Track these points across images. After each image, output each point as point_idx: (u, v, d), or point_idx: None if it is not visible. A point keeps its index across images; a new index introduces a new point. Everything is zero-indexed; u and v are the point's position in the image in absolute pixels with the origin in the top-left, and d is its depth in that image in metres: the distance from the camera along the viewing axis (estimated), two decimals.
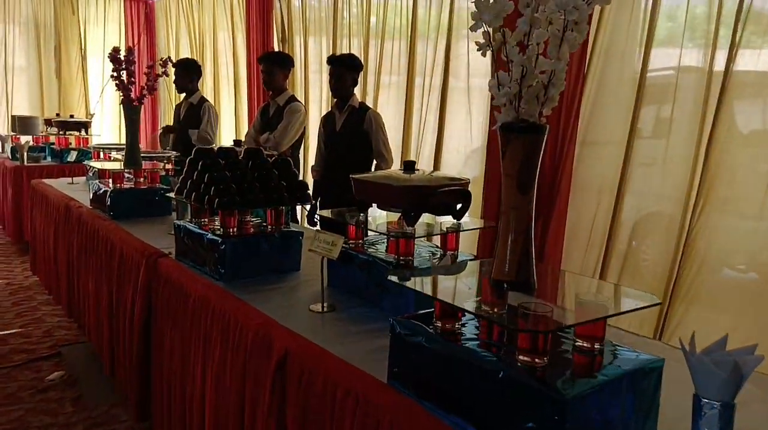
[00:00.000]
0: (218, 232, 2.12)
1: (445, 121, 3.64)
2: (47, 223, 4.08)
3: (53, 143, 6.23)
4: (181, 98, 4.88)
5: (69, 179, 4.58)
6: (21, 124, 6.04)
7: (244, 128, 5.77)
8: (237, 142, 2.90)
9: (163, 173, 3.48)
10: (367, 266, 1.82)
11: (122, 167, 3.31)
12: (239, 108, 6.05)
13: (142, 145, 8.03)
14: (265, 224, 2.26)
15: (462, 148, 3.69)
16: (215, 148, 2.26)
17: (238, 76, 6.00)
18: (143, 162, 3.46)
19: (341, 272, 1.93)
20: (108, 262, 2.88)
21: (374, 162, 3.72)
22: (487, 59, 1.17)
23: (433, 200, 1.75)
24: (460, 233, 1.87)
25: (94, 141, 6.13)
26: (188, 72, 4.64)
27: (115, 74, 3.26)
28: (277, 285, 2.04)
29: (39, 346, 3.55)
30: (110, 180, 3.24)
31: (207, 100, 4.76)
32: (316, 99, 4.91)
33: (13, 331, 3.77)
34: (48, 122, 6.45)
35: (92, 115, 7.50)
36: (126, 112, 3.32)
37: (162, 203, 3.21)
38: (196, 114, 4.66)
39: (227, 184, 2.09)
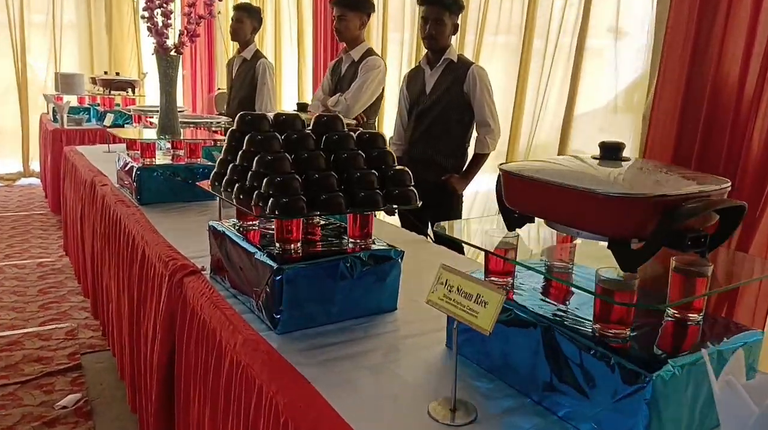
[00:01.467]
0: (273, 249, 1.33)
1: (577, 91, 2.71)
2: (75, 199, 3.43)
3: (98, 104, 5.63)
4: (233, 53, 4.11)
5: (106, 146, 3.91)
6: (64, 82, 5.44)
7: (309, 94, 4.95)
8: (302, 106, 2.10)
9: (211, 144, 2.73)
10: (551, 343, 0.99)
11: (155, 136, 2.58)
12: (303, 70, 5.24)
13: (198, 110, 7.39)
14: (342, 236, 1.45)
15: (599, 122, 2.76)
16: (268, 115, 1.45)
17: (303, 30, 5.17)
18: (183, 129, 2.72)
19: (488, 343, 1.10)
20: (129, 264, 2.16)
21: (473, 135, 2.86)
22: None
23: (683, 221, 0.89)
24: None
25: (146, 103, 5.48)
26: (247, 17, 3.85)
27: (146, 15, 2.49)
28: (366, 345, 1.24)
29: (57, 352, 2.91)
30: (138, 153, 2.50)
31: (263, 56, 3.98)
32: (394, 61, 4.02)
33: (32, 330, 3.15)
34: (94, 81, 5.84)
35: (145, 74, 6.87)
36: (160, 64, 2.56)
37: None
38: (249, 72, 3.88)
39: (287, 175, 1.29)
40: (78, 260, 3.47)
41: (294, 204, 1.25)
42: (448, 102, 2.78)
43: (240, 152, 1.39)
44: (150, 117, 3.51)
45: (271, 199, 1.26)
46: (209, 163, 2.52)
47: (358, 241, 1.41)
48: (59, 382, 2.65)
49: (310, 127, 1.48)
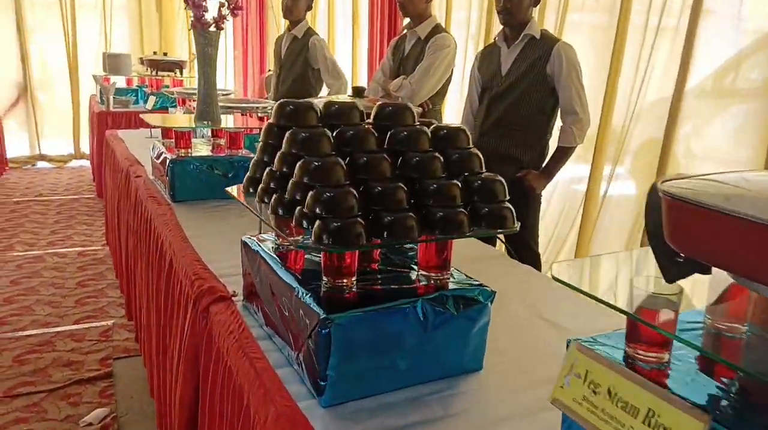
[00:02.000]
0: (320, 285, 0.99)
1: (688, 74, 2.25)
2: (113, 188, 3.19)
3: (146, 86, 5.43)
4: (283, 31, 3.78)
5: (148, 131, 3.66)
6: (111, 62, 5.26)
7: (363, 79, 4.58)
8: (358, 91, 1.74)
9: (256, 131, 2.42)
10: None
11: (191, 124, 2.27)
12: (357, 51, 4.87)
13: (249, 93, 7.14)
14: (410, 264, 1.10)
15: (707, 110, 2.30)
16: (316, 104, 1.09)
17: (357, 7, 4.80)
18: (223, 116, 2.41)
19: None
20: (157, 273, 1.87)
21: (555, 125, 2.45)
22: None
23: None
24: None
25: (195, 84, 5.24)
26: None
27: None
28: (446, 417, 0.89)
29: (89, 356, 2.69)
30: (173, 142, 2.21)
31: (315, 33, 3.63)
32: (459, 43, 3.59)
33: (65, 328, 2.94)
34: (142, 62, 5.65)
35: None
36: (198, 41, 2.25)
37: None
38: (301, 50, 3.55)
39: (340, 188, 0.93)
40: (116, 253, 3.25)
41: (349, 230, 0.90)
42: (528, 85, 2.37)
43: (279, 154, 1.04)
44: (194, 100, 3.23)
45: (319, 221, 0.91)
46: (252, 154, 2.21)
47: (433, 275, 1.05)
48: (88, 392, 2.41)
49: (371, 120, 1.13)
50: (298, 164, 0.96)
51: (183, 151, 2.15)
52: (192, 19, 2.21)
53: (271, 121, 1.08)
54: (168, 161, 2.07)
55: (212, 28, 2.22)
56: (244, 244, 1.28)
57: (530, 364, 1.09)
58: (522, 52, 2.40)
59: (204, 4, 2.17)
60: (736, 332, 0.82)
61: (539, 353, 1.14)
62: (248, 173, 1.20)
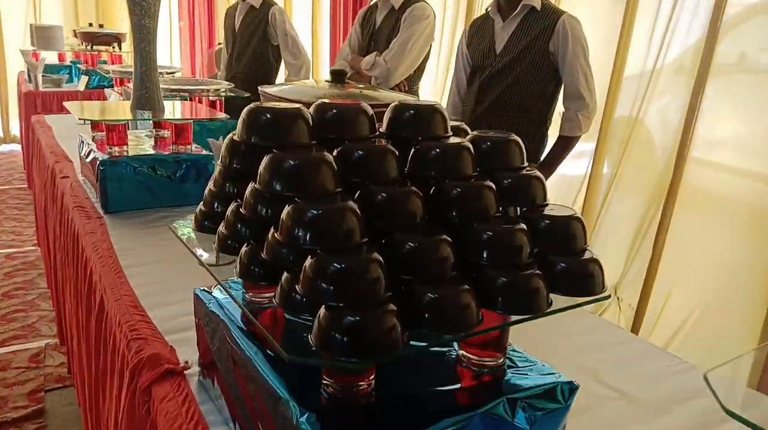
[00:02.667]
0: (319, 388, 0.64)
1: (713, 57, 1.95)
2: (40, 186, 2.74)
3: (81, 62, 4.87)
4: (235, 0, 3.33)
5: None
6: (40, 36, 4.66)
7: (324, 58, 4.15)
8: (338, 75, 1.37)
9: (206, 120, 2.01)
10: None
11: (127, 113, 1.86)
12: (318, 26, 4.43)
13: (197, 71, 6.58)
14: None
15: (737, 92, 2.02)
16: (304, 110, 0.72)
17: None
18: (168, 103, 2.00)
19: None
20: (87, 309, 1.47)
21: (552, 110, 2.13)
22: None
23: None
24: None
25: None
26: None
27: None
28: None
29: (15, 388, 2.27)
30: (104, 137, 1.79)
31: (274, 2, 3.20)
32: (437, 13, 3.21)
33: None
34: (76, 35, 5.06)
35: None
36: (132, 11, 1.82)
37: (198, 184, 1.75)
38: (259, 23, 3.12)
39: (357, 256, 0.58)
40: (47, 259, 2.80)
41: (377, 326, 0.55)
42: (527, 65, 2.04)
43: (251, 189, 0.68)
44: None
45: (326, 312, 0.56)
46: (204, 151, 1.81)
47: (486, 360, 0.72)
48: None
49: (382, 127, 0.77)
50: (285, 211, 0.60)
51: (117, 149, 1.73)
52: None
53: (235, 135, 0.71)
54: (98, 163, 1.66)
55: None
56: (199, 298, 0.91)
57: None
58: (520, 26, 2.06)
59: None
60: None
61: None
62: (201, 206, 0.83)
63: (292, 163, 0.62)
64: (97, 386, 1.35)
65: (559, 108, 2.12)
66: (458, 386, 0.70)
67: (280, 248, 0.64)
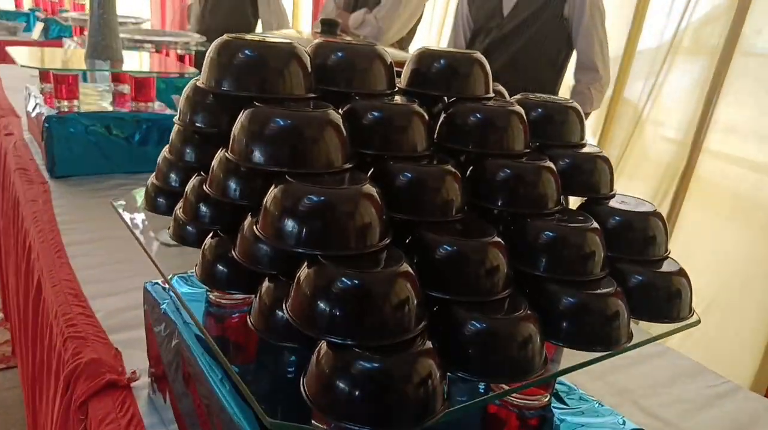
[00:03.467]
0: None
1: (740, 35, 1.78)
2: None
3: (40, 10, 4.50)
4: None
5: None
6: None
7: (305, 12, 3.87)
8: (330, 24, 1.15)
9: (175, 76, 1.77)
10: None
11: (80, 63, 1.61)
12: None
13: (167, 25, 6.21)
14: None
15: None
16: (297, 45, 0.51)
17: None
18: (130, 53, 1.76)
19: None
20: (25, 289, 1.26)
21: (561, 82, 1.94)
22: None
23: None
24: None
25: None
26: None
27: None
28: None
29: None
30: (52, 90, 1.54)
31: None
32: None
33: None
34: None
35: None
36: None
37: (159, 148, 1.53)
38: None
39: (377, 271, 0.39)
40: None
41: (411, 382, 0.36)
42: (538, 30, 1.84)
43: (219, 157, 0.48)
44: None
45: (332, 357, 0.37)
46: (168, 110, 1.58)
47: (531, 402, 0.54)
48: None
49: (403, 84, 0.57)
50: (272, 195, 0.40)
51: (66, 103, 1.49)
52: None
53: (200, 80, 0.50)
54: (45, 119, 1.42)
55: None
56: (149, 294, 0.71)
57: None
58: None
59: None
60: None
61: None
62: (153, 179, 0.63)
63: (282, 122, 0.42)
64: (34, 380, 1.14)
65: (568, 81, 1.94)
66: None
67: (261, 246, 0.44)
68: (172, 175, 0.59)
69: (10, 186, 1.54)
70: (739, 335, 1.85)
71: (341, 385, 0.36)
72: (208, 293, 0.61)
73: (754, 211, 1.83)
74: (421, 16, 2.38)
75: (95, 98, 1.63)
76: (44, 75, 1.67)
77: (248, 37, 0.49)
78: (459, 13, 2.06)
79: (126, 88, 1.66)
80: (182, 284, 0.68)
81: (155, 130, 1.51)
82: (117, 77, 1.70)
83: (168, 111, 1.56)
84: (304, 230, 0.39)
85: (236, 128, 0.44)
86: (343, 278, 0.37)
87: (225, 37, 0.48)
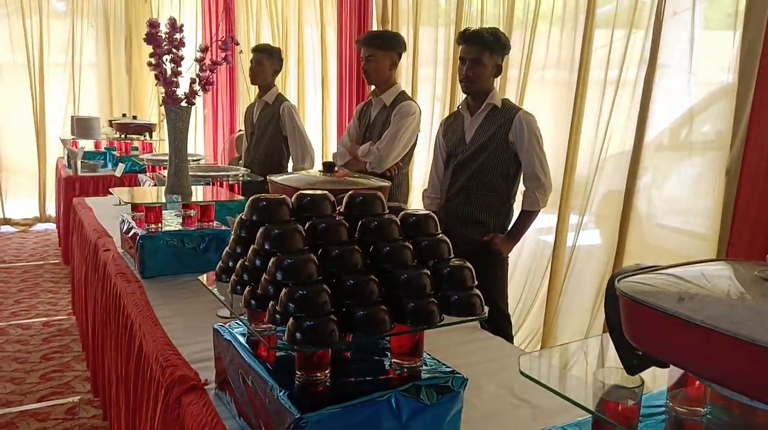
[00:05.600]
0: (294, 378, 0.99)
1: (645, 128, 2.37)
2: (81, 259, 3.15)
3: (115, 149, 5.42)
4: (254, 98, 3.85)
5: (117, 198, 3.64)
6: (79, 126, 5.24)
7: (333, 142, 4.64)
8: (329, 166, 1.78)
9: (228, 201, 2.42)
10: None
11: (162, 197, 2.28)
12: (327, 115, 4.96)
13: (218, 154, 7.17)
14: (382, 351, 1.11)
15: (666, 162, 2.41)
16: (287, 199, 1.11)
17: (327, 72, 4.91)
18: (194, 188, 2.43)
19: None
20: (126, 354, 1.84)
21: (515, 188, 2.52)
22: None
23: None
24: None
25: (166, 149, 5.24)
26: (267, 59, 3.58)
27: (153, 61, 2.22)
28: None
29: None
30: (142, 215, 2.21)
31: (286, 99, 3.70)
32: (426, 101, 3.71)
33: (29, 407, 2.84)
34: (111, 125, 5.66)
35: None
36: (169, 116, 2.28)
37: (218, 254, 2.15)
38: (272, 117, 3.61)
39: (312, 286, 0.95)
40: (83, 325, 3.18)
41: (322, 328, 0.92)
42: (492, 152, 2.45)
43: (252, 249, 1.06)
44: (164, 168, 3.24)
45: (292, 319, 0.93)
46: (224, 227, 2.22)
47: (405, 363, 1.07)
48: None
49: (341, 208, 1.16)
50: (271, 261, 0.98)
51: (153, 226, 2.14)
52: (163, 95, 2.25)
53: (243, 215, 1.10)
54: (138, 237, 2.06)
55: (183, 103, 2.26)
56: (216, 331, 1.27)
57: None
58: (485, 121, 2.49)
59: (176, 80, 2.22)
60: (696, 415, 0.85)
61: None
62: (220, 263, 1.21)
63: (276, 232, 1.01)
64: (135, 412, 1.69)
65: (521, 186, 2.51)
66: (388, 377, 1.05)
67: (268, 285, 1.01)
68: (230, 261, 1.17)
69: (111, 287, 2.16)
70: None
71: (298, 334, 0.91)
72: (248, 324, 1.18)
73: None
74: (416, 143, 3.03)
75: (171, 220, 2.28)
76: (136, 206, 2.34)
77: (264, 195, 1.08)
78: (437, 142, 2.71)
79: (192, 212, 2.31)
80: (237, 324, 1.25)
81: (214, 240, 2.13)
82: (187, 205, 2.35)
83: (223, 228, 2.19)
84: (283, 274, 0.96)
85: (258, 235, 1.03)
86: (299, 291, 0.94)
87: (254, 196, 1.08)
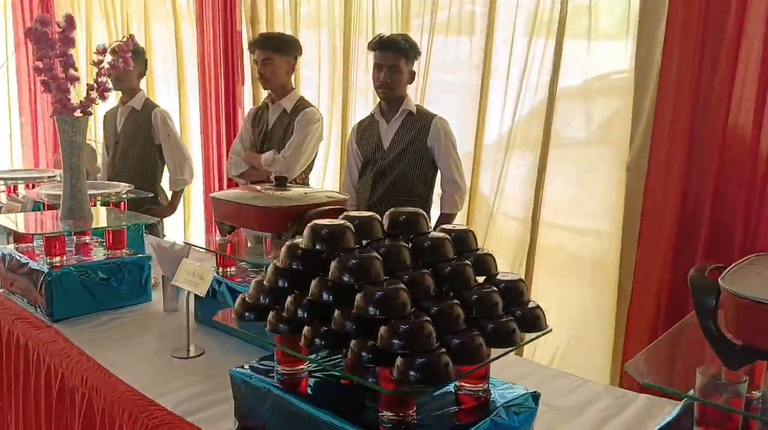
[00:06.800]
0: (375, 418, 0.91)
1: (551, 131, 2.54)
2: None
3: None
4: (116, 102, 3.43)
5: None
6: None
7: (197, 152, 4.25)
8: (281, 181, 1.65)
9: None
10: None
11: (61, 226, 1.93)
12: (186, 123, 4.57)
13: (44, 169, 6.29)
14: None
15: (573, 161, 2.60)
16: (347, 224, 1.01)
17: (184, 77, 4.53)
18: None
19: None
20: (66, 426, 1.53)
21: (432, 193, 2.57)
22: None
23: None
24: None
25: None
26: (134, 60, 3.21)
27: (40, 65, 1.88)
28: None
29: None
30: (37, 247, 1.86)
31: (156, 105, 3.37)
32: (323, 104, 3.55)
33: None
34: None
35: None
36: (63, 129, 1.94)
37: (136, 285, 1.88)
38: (143, 125, 3.26)
39: (417, 319, 0.88)
40: None
41: (435, 363, 0.85)
42: (412, 158, 2.46)
43: (320, 281, 0.94)
44: (39, 183, 2.76)
45: (401, 358, 0.84)
46: (138, 253, 1.95)
47: (478, 388, 1.03)
48: None
49: (387, 229, 1.08)
50: (359, 295, 0.88)
51: (57, 259, 1.82)
52: (53, 104, 1.92)
53: (301, 243, 0.97)
54: (44, 275, 1.73)
55: (78, 113, 1.95)
56: (234, 378, 1.12)
57: None
58: (402, 127, 2.49)
59: (70, 86, 1.90)
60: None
61: None
62: (246, 299, 1.06)
63: (355, 262, 0.91)
64: None
65: (437, 191, 2.56)
66: (478, 406, 1.00)
67: (345, 321, 0.91)
68: (262, 297, 1.03)
69: (4, 337, 1.79)
70: (592, 367, 2.46)
71: (411, 371, 0.83)
72: (277, 367, 1.05)
73: (582, 267, 2.53)
74: (317, 154, 2.94)
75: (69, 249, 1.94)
76: (18, 236, 1.96)
77: (322, 221, 0.97)
78: (349, 151, 2.65)
79: (88, 239, 2.00)
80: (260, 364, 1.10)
81: (132, 269, 1.86)
82: (85, 234, 2.03)
83: (138, 255, 1.92)
84: (378, 308, 0.87)
85: (334, 265, 0.92)
86: (403, 325, 0.85)
87: (313, 223, 0.96)
